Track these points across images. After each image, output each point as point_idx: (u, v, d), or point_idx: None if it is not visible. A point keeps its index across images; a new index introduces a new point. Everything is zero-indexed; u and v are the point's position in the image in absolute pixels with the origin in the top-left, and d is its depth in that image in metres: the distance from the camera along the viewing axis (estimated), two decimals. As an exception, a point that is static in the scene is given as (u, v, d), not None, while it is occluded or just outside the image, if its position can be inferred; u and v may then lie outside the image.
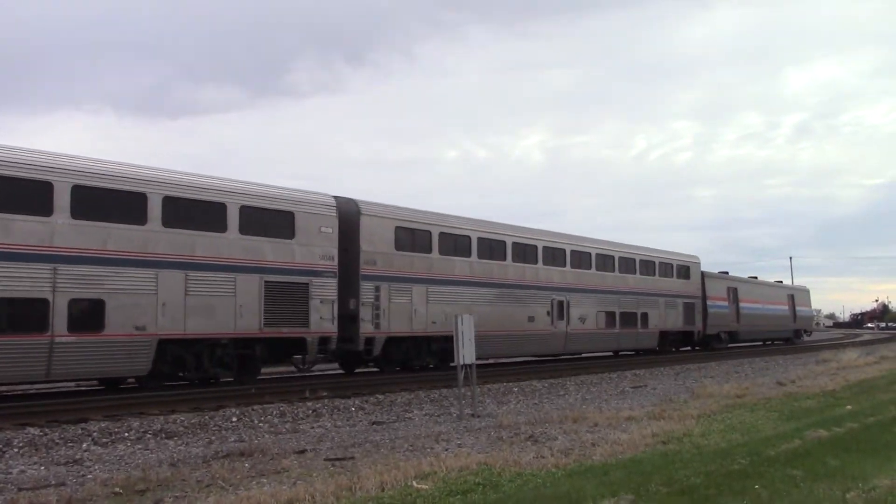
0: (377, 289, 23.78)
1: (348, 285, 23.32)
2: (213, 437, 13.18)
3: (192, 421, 14.56)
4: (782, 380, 22.31)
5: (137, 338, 18.03)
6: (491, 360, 30.76)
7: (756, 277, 56.07)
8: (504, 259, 29.06)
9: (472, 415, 15.41)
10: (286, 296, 21.14)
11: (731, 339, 47.10)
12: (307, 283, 21.66)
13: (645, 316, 37.50)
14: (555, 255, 31.97)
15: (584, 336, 33.05)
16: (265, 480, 9.03)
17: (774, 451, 9.90)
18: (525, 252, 30.28)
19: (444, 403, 17.91)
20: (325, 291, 22.12)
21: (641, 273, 37.85)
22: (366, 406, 17.39)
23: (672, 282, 40.32)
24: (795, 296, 59.92)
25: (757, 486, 7.79)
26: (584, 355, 35.08)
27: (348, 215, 23.52)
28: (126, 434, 13.28)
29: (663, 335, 39.18)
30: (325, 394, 18.89)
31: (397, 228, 24.78)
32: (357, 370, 25.91)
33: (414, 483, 8.22)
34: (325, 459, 10.48)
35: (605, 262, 35.26)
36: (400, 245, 24.82)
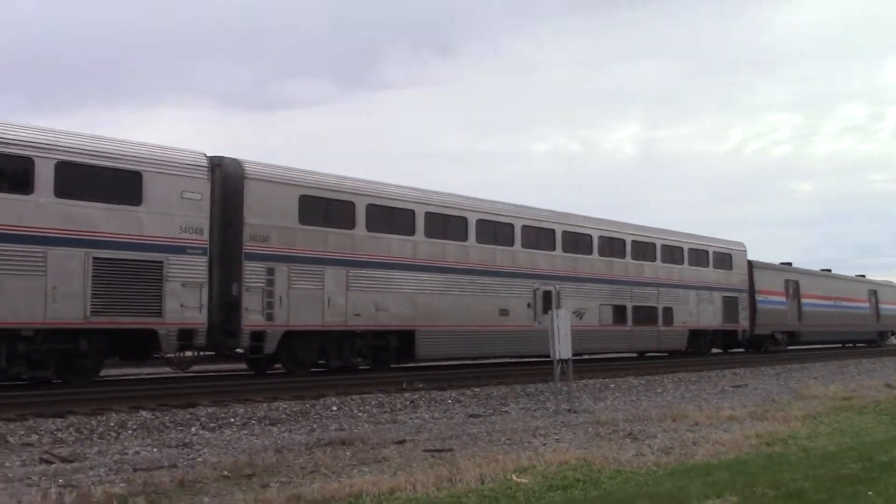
0: (270, 271, 19.16)
1: (231, 266, 18.83)
2: (314, 425, 13.31)
3: (295, 409, 14.77)
4: (892, 382, 21.15)
5: None
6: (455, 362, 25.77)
7: (830, 270, 49.06)
8: (465, 239, 24.02)
9: (569, 410, 15.11)
10: (128, 277, 16.78)
11: (790, 341, 40.52)
12: (161, 262, 17.23)
13: (669, 311, 31.70)
14: (540, 237, 26.68)
15: (581, 334, 27.52)
16: (366, 469, 9.06)
17: (887, 457, 9.43)
18: (496, 232, 25.15)
19: (540, 398, 17.69)
20: (190, 272, 17.66)
21: (664, 261, 32.05)
22: (462, 399, 17.23)
23: (707, 272, 34.31)
24: (879, 292, 52.37)
25: (870, 493, 7.45)
26: (586, 357, 29.61)
27: (229, 179, 19.03)
28: (232, 419, 13.53)
29: (695, 334, 33.24)
30: (421, 385, 18.49)
31: (303, 198, 20.10)
32: (269, 371, 21.27)
33: (513, 476, 8.19)
34: (423, 450, 10.46)
35: (613, 246, 29.71)
36: (307, 218, 20.13)
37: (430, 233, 22.94)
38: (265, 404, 15.04)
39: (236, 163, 19.13)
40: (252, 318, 18.74)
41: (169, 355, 18.70)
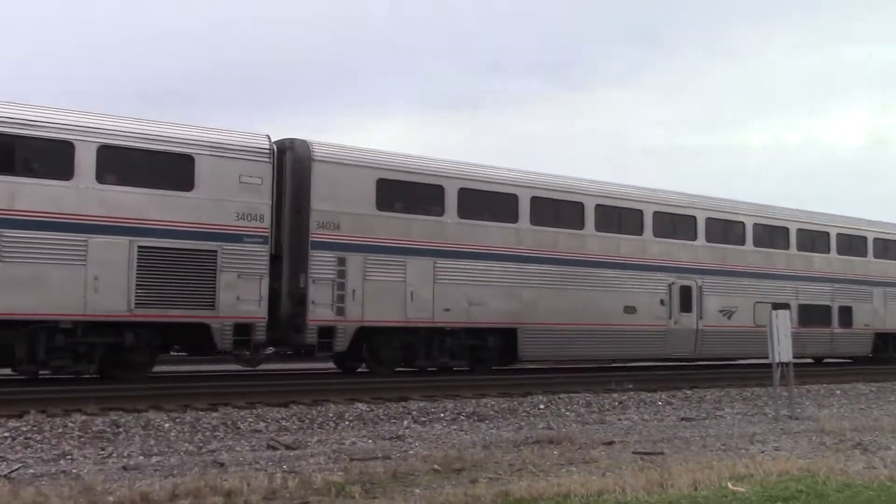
0: (341, 261, 17.59)
1: (300, 256, 17.46)
2: (521, 423, 13.48)
3: (502, 406, 14.93)
4: None
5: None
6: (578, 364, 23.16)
7: None
8: (581, 227, 21.38)
9: (790, 416, 14.64)
10: (177, 267, 15.76)
11: None
12: (214, 251, 16.10)
13: (846, 311, 27.18)
14: (676, 224, 23.47)
15: (731, 335, 24.04)
16: (574, 469, 9.01)
17: None
18: (621, 219, 22.30)
19: (757, 403, 17.12)
20: (248, 262, 16.43)
21: (841, 252, 27.55)
22: (673, 401, 16.87)
23: (899, 265, 29.30)
24: None
25: None
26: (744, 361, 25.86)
27: (296, 162, 17.66)
28: (442, 415, 13.85)
29: (882, 338, 28.40)
30: (630, 386, 18.12)
31: (381, 181, 18.37)
32: (359, 369, 19.72)
33: (729, 484, 7.86)
34: (633, 452, 10.35)
35: (773, 235, 25.80)
36: (386, 203, 18.40)
37: (536, 220, 20.52)
38: (473, 400, 15.17)
39: (303, 144, 17.72)
40: (319, 312, 17.24)
41: (243, 352, 17.56)
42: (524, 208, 20.33)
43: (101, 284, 14.98)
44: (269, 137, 17.09)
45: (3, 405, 12.13)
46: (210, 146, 16.24)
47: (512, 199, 20.24)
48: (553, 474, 8.67)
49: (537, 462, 9.47)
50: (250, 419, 12.43)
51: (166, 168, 15.93)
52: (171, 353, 18.09)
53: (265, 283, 16.59)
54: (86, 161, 15.04)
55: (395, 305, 18.19)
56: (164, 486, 7.47)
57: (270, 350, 18.12)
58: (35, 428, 11.01)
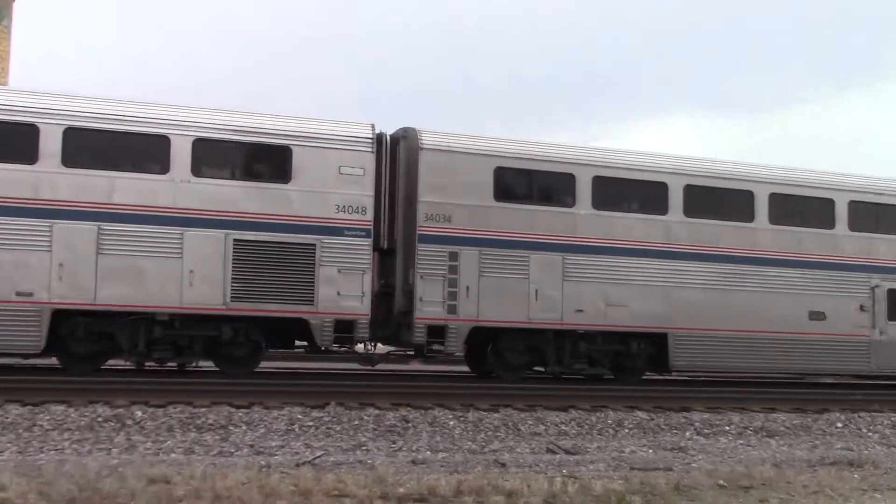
0: (453, 256, 16.35)
1: (410, 250, 16.51)
2: (816, 442, 12.89)
3: (794, 422, 14.15)
4: None
5: (19, 306, 14.22)
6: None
7: None
8: (750, 219, 18.48)
9: None
10: (274, 261, 15.38)
11: None
12: (313, 245, 15.55)
13: None
14: (880, 216, 19.69)
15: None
16: (878, 496, 8.53)
17: None
18: (803, 210, 19.04)
19: None
20: (349, 256, 15.71)
21: None
22: None
23: None
24: None
25: None
26: None
27: (408, 152, 16.79)
28: (727, 427, 13.38)
29: None
30: None
31: (500, 170, 16.94)
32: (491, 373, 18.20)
33: None
34: None
35: None
36: (506, 194, 16.94)
37: (691, 211, 18.00)
38: (762, 414, 14.31)
39: (411, 132, 16.81)
40: (428, 309, 16.08)
41: (363, 351, 16.91)
42: (676, 198, 17.91)
43: (196, 277, 14.91)
44: (372, 127, 16.36)
45: (309, 396, 12.82)
46: (308, 137, 15.79)
47: (660, 188, 17.91)
48: (853, 500, 8.22)
49: (835, 485, 8.87)
50: (530, 422, 12.52)
51: (262, 160, 15.70)
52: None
53: (368, 278, 15.78)
54: (181, 154, 15.11)
55: (517, 304, 16.59)
56: (450, 482, 7.73)
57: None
58: (335, 419, 11.68)
